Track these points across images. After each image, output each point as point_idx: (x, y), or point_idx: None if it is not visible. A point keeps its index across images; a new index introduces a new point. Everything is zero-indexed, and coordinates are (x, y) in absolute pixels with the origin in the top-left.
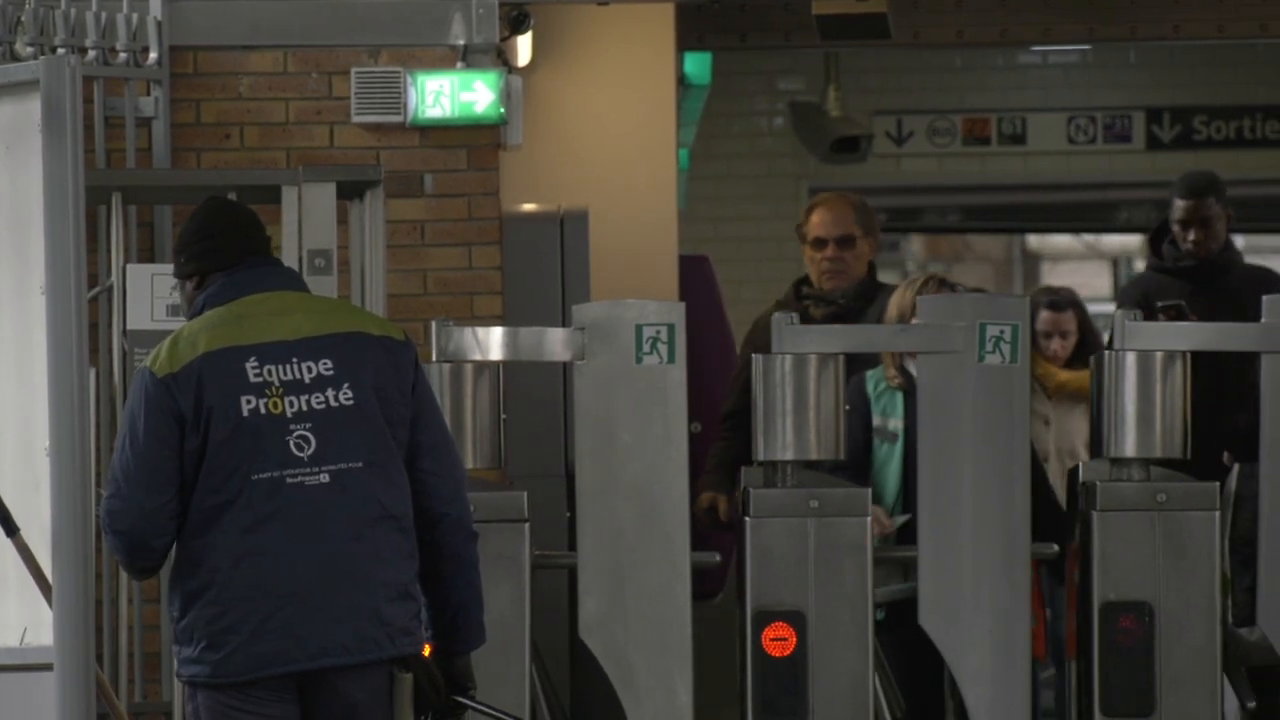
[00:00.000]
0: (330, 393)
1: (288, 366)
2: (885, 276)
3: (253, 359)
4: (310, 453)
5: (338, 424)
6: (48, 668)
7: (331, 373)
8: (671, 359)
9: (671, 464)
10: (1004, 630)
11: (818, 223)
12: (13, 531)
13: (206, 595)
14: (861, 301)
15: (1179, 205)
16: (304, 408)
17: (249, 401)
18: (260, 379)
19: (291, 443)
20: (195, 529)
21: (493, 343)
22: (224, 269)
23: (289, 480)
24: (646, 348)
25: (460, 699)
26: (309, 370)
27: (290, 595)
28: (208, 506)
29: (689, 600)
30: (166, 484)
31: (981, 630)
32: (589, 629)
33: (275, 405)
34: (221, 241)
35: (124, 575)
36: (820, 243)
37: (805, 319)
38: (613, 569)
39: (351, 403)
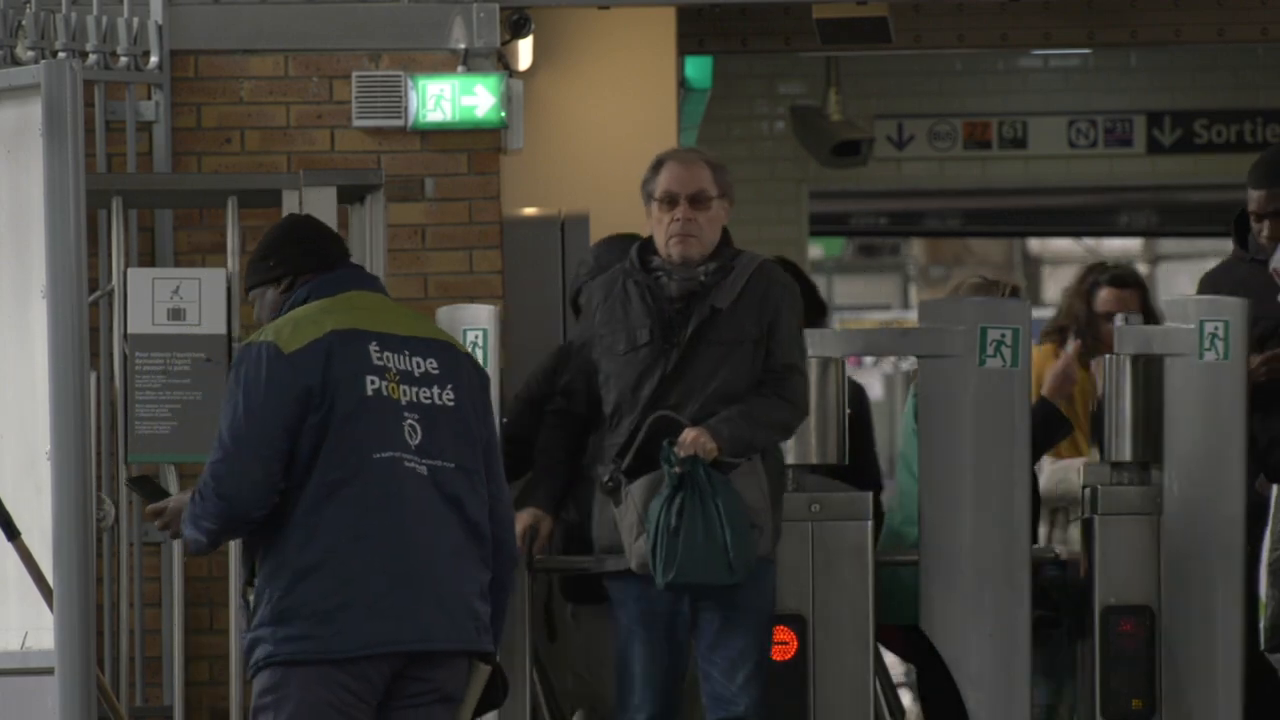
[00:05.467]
0: (435, 390)
1: (401, 356)
2: (887, 281)
3: (374, 343)
4: (417, 442)
5: (439, 421)
6: (49, 671)
7: (438, 372)
8: None
9: None
10: (1004, 634)
11: (669, 177)
12: (14, 535)
13: (322, 571)
14: (719, 275)
15: (1251, 196)
16: (414, 398)
17: (373, 381)
18: (381, 363)
19: (405, 428)
20: (312, 504)
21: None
22: (316, 271)
23: (405, 463)
24: None
25: None
26: (418, 365)
27: (404, 577)
28: (328, 482)
29: None
30: (276, 457)
31: (982, 634)
32: None
33: (393, 390)
34: (312, 245)
35: (125, 579)
36: (671, 199)
37: (654, 293)
38: None
39: (453, 404)
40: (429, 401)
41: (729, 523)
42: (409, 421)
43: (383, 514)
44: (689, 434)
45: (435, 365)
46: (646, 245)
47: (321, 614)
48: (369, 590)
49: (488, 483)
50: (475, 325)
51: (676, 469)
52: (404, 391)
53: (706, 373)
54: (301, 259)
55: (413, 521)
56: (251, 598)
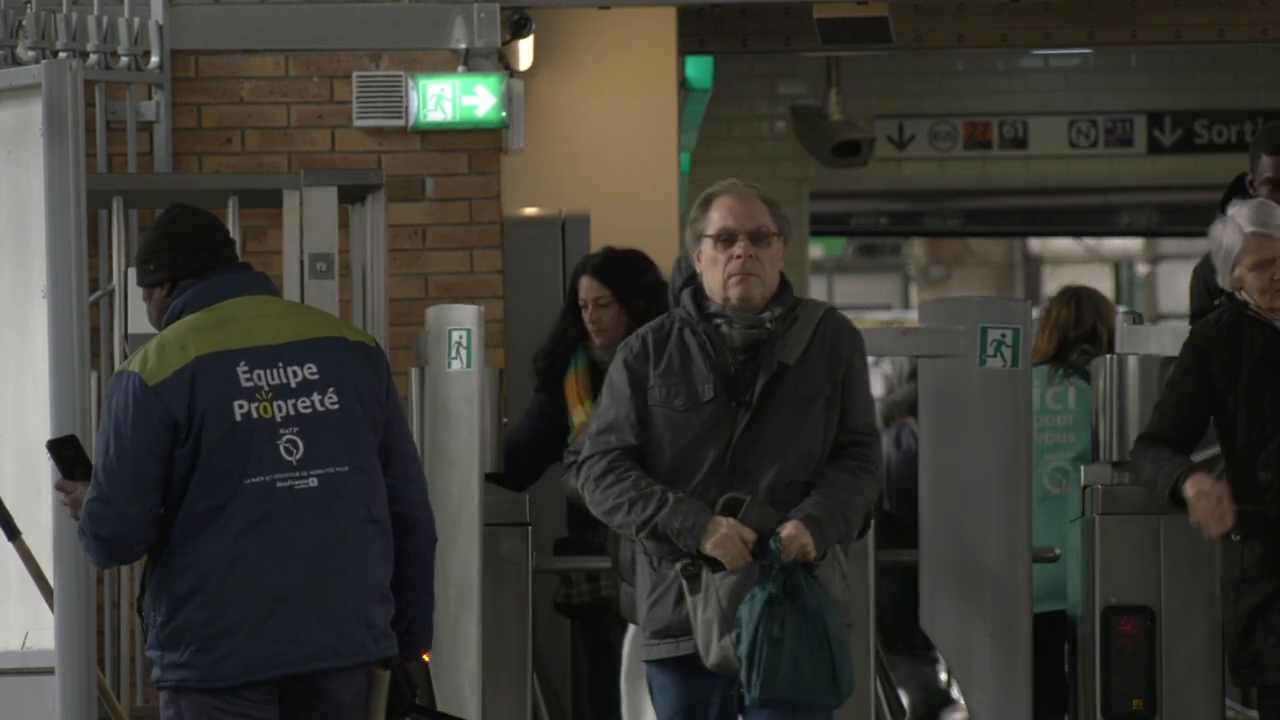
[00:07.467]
0: (316, 397)
1: (274, 370)
2: (887, 281)
3: (243, 363)
4: (299, 457)
5: (324, 428)
6: (49, 671)
7: (316, 377)
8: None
9: None
10: (1005, 633)
11: (724, 213)
12: (14, 535)
13: (198, 598)
14: (784, 324)
15: (1268, 162)
16: (291, 412)
17: (241, 406)
18: (251, 383)
19: (281, 447)
20: (186, 533)
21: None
22: (196, 275)
23: (279, 485)
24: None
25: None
26: (294, 375)
27: (283, 598)
28: (199, 511)
29: None
30: (151, 491)
31: (983, 634)
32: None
33: (265, 410)
34: (193, 247)
35: (125, 579)
36: (728, 237)
37: (715, 344)
38: None
39: (337, 407)
40: (309, 410)
41: (834, 640)
42: (286, 438)
43: (258, 538)
44: (792, 533)
45: (314, 370)
46: (700, 291)
47: (201, 641)
48: (247, 615)
49: (395, 463)
50: (460, 325)
51: (780, 573)
52: (279, 408)
53: (784, 436)
54: (180, 264)
55: (290, 542)
56: (143, 615)
